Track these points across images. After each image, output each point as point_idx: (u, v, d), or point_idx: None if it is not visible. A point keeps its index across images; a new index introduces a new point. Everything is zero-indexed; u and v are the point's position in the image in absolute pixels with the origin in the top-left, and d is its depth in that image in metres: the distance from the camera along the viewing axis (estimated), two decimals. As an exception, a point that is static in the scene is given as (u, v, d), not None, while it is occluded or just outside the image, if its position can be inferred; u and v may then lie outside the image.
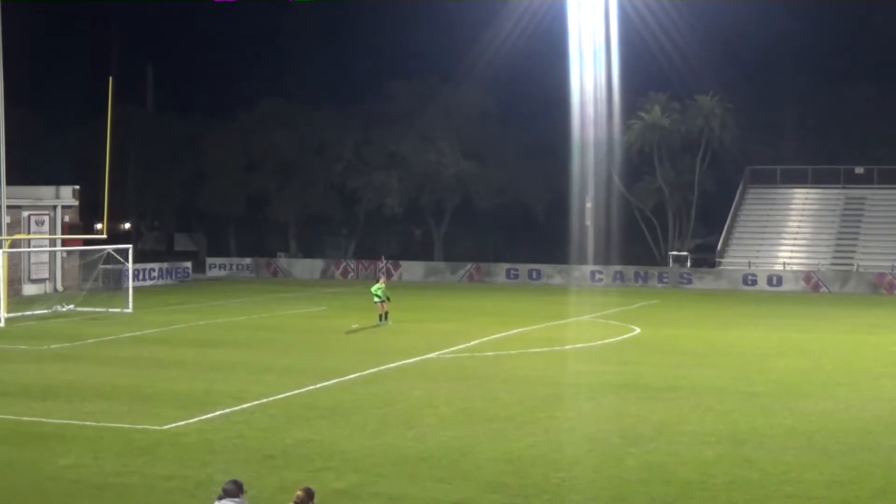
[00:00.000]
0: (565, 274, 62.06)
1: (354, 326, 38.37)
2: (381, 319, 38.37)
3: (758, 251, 62.82)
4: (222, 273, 67.68)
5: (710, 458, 18.33)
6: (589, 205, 64.66)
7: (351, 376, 26.79)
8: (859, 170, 65.52)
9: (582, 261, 63.26)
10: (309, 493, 11.53)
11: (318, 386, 25.43)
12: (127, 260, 45.85)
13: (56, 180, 56.27)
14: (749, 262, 61.29)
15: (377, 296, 38.34)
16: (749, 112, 67.08)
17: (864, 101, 68.62)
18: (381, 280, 39.79)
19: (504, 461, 18.06)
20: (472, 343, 33.62)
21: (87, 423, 21.01)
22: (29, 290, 51.00)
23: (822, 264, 59.79)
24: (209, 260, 70.25)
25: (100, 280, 50.83)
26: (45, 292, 51.39)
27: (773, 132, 70.18)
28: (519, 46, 65.48)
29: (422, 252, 73.70)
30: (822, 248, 61.92)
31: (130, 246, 47.51)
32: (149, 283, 58.56)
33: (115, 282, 51.83)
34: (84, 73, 71.33)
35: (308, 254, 74.08)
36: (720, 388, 25.21)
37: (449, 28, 71.80)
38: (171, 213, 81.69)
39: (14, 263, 47.77)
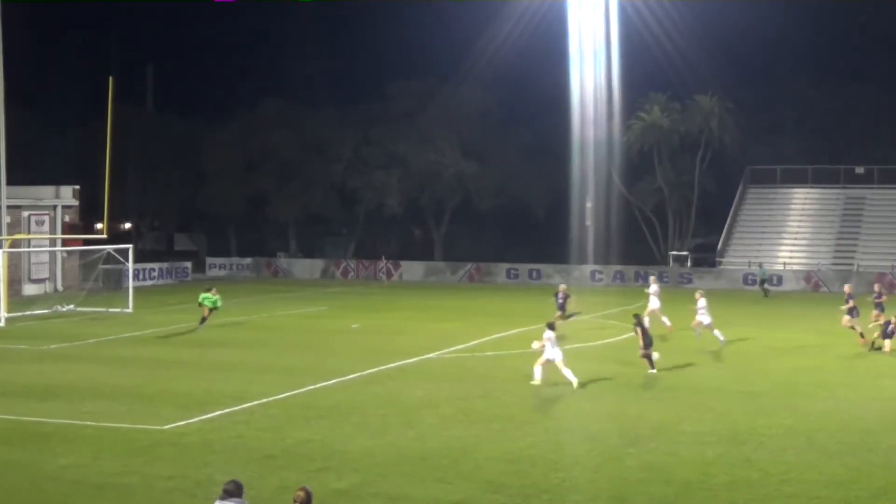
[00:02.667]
0: (565, 274, 61.96)
1: (355, 326, 38.44)
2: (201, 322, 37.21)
3: (758, 251, 62.81)
4: (222, 273, 67.66)
5: (710, 458, 18.33)
6: (589, 205, 64.68)
7: (351, 376, 26.79)
8: (859, 170, 65.55)
9: (582, 261, 63.31)
10: (308, 494, 11.54)
11: (318, 386, 25.42)
12: (127, 260, 45.87)
13: (56, 180, 56.23)
14: (749, 262, 61.27)
15: (203, 303, 36.85)
16: (749, 112, 67.12)
17: (864, 101, 68.62)
18: (213, 291, 37.53)
19: (504, 461, 18.05)
20: (472, 343, 33.63)
21: (87, 423, 21.00)
22: (29, 290, 51.02)
23: (822, 264, 59.79)
24: (209, 260, 70.28)
25: (100, 280, 50.85)
26: (46, 292, 51.41)
27: (773, 132, 70.18)
28: (519, 46, 65.54)
29: (422, 252, 73.69)
30: (822, 248, 61.95)
31: (130, 246, 47.50)
32: (149, 283, 58.56)
33: (115, 282, 51.89)
34: (84, 73, 71.36)
35: (308, 254, 74.12)
36: (720, 388, 25.20)
37: (449, 28, 71.97)
38: (171, 213, 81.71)
39: (14, 263, 47.78)
